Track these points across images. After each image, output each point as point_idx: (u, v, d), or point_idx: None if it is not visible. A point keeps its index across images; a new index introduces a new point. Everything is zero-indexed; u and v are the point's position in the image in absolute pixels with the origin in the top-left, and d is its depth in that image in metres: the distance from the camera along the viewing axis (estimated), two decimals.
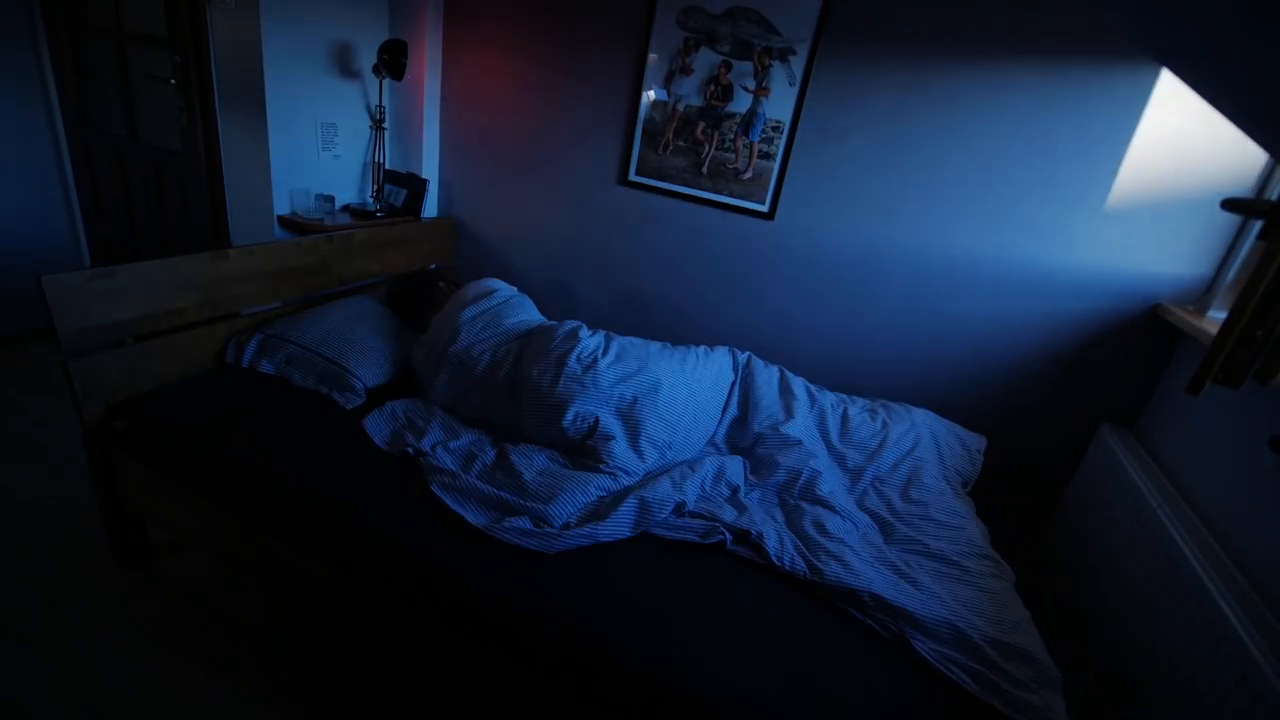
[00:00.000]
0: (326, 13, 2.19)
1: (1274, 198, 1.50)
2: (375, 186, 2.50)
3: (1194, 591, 1.11)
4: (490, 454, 1.46)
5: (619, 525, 1.26)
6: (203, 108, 2.24)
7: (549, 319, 1.83)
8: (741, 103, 2.01)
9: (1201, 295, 1.65)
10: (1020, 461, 1.95)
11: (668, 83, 2.09)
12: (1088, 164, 1.67)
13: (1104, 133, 1.64)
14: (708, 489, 1.46)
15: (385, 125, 2.43)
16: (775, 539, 1.29)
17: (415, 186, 2.45)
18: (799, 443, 1.61)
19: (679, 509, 1.35)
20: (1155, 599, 1.23)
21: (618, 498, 1.32)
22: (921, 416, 1.77)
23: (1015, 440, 1.95)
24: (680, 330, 2.26)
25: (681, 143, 2.13)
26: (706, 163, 2.12)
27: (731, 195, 2.11)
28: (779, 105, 1.96)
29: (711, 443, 1.71)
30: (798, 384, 1.81)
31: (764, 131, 2.00)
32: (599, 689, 1.04)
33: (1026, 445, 1.94)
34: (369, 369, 1.66)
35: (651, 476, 1.44)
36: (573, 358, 1.54)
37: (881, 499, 1.57)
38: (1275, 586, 1.06)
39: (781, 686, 0.99)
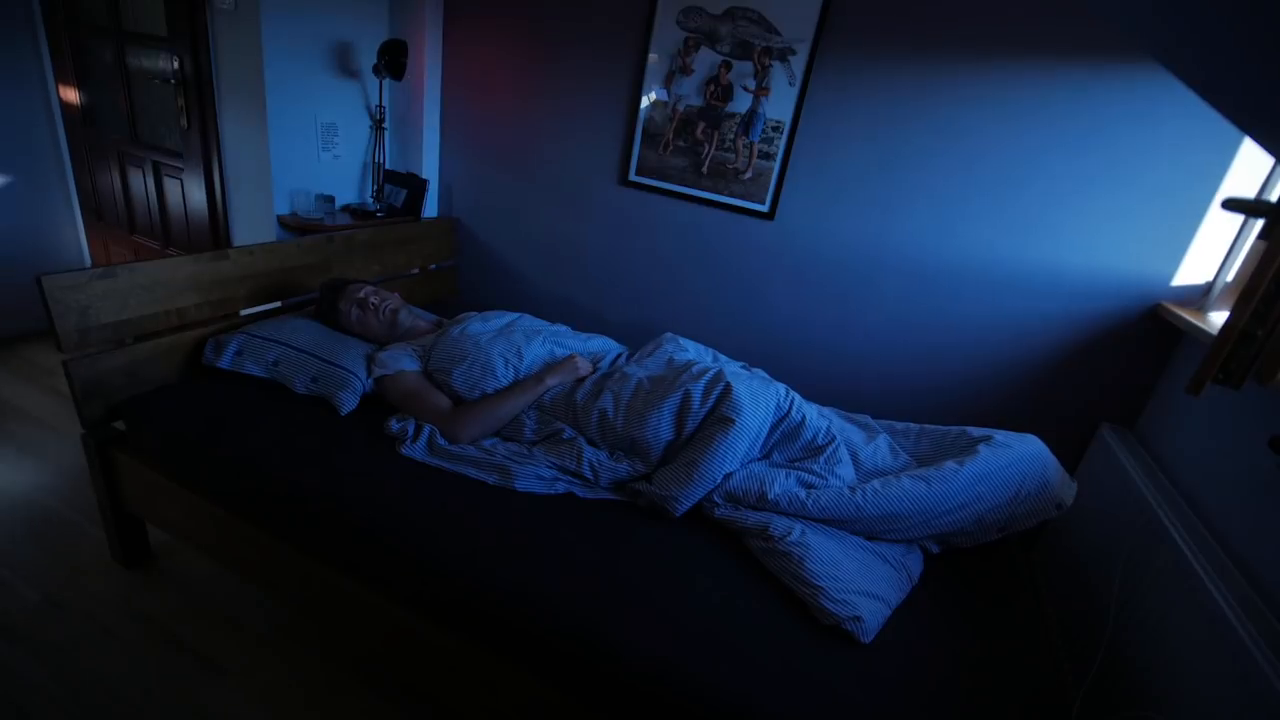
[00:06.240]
0: (326, 13, 2.19)
1: (1274, 198, 1.50)
2: (375, 186, 2.50)
3: (1194, 591, 1.11)
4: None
5: None
6: (202, 108, 2.24)
7: (537, 319, 1.83)
8: (741, 103, 2.01)
9: (1201, 295, 1.65)
10: None
11: (668, 83, 2.09)
12: (1088, 163, 1.67)
13: (1105, 131, 1.64)
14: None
15: (385, 125, 2.43)
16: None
17: (415, 186, 2.45)
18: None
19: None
20: (1155, 599, 1.23)
21: None
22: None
23: None
24: (680, 329, 2.26)
25: (682, 143, 2.13)
26: (707, 163, 2.12)
27: (732, 195, 2.11)
28: (779, 105, 1.96)
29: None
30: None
31: (764, 131, 2.00)
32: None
33: None
34: (364, 369, 1.65)
35: None
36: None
37: None
38: (1275, 586, 1.06)
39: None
